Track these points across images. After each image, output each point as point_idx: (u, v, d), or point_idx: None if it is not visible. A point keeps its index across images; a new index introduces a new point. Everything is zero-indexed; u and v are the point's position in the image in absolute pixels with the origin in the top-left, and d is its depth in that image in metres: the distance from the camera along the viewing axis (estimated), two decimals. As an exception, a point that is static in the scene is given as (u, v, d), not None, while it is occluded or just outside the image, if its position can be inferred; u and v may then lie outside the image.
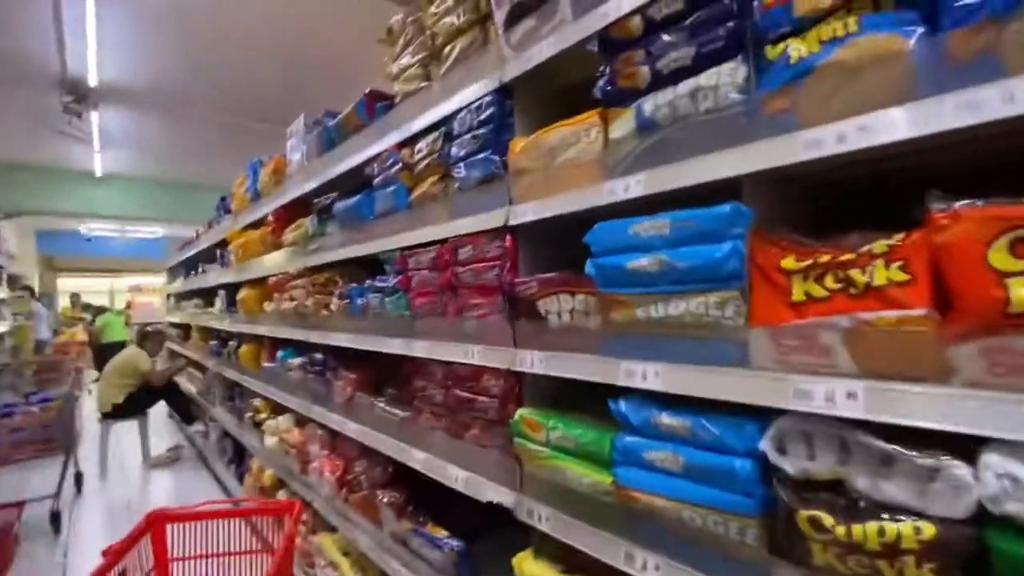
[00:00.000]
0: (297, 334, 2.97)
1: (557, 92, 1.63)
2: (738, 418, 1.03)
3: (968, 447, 0.76)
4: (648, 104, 1.16)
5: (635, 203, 1.19)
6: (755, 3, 0.99)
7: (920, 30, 0.80)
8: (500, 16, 1.54)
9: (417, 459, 1.92)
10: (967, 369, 0.75)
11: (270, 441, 3.38)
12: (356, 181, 2.45)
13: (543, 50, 1.40)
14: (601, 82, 1.25)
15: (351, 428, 2.42)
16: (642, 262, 1.12)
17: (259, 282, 3.74)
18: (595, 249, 1.22)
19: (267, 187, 3.65)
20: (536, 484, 1.46)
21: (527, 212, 1.46)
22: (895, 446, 0.82)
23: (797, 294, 0.94)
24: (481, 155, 1.62)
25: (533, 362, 1.44)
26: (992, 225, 0.72)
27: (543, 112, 1.61)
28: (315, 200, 2.81)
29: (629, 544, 1.19)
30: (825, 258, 0.90)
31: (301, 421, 3.16)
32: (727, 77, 1.02)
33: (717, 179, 1.03)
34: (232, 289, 4.43)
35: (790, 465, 0.94)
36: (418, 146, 1.93)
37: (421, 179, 1.98)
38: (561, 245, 1.60)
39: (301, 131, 3.08)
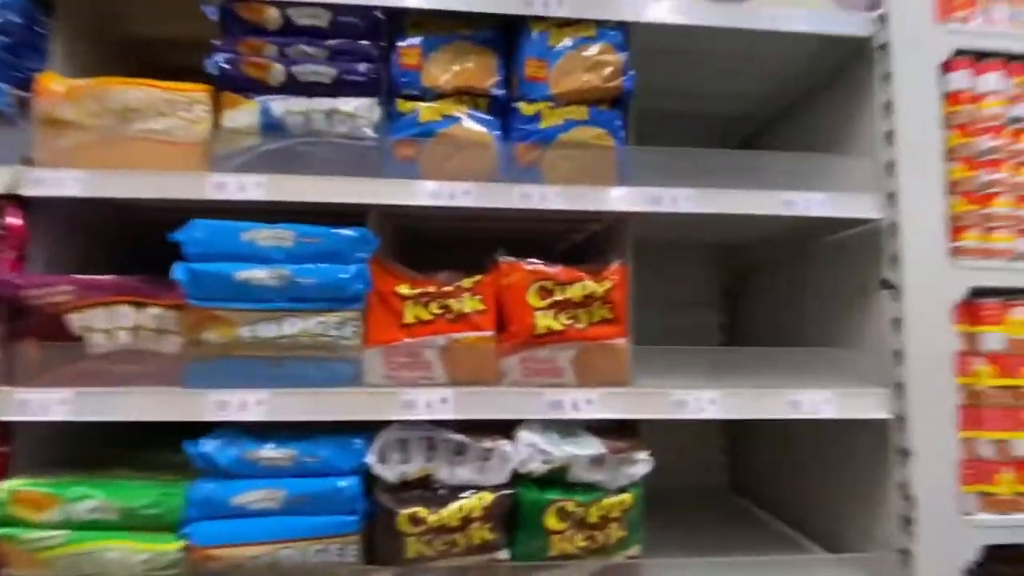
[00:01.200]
0: None
1: (127, 37, 1.24)
2: (346, 437, 1.04)
3: (509, 430, 1.08)
4: (279, 105, 1.07)
5: (233, 204, 1.04)
6: (393, 57, 1.12)
7: (498, 134, 1.14)
8: None
9: None
10: (512, 373, 1.08)
11: None
12: None
13: (126, -22, 1.05)
14: (219, 59, 1.06)
15: None
16: (258, 274, 0.99)
17: None
18: (190, 251, 0.98)
19: None
20: (23, 595, 0.95)
21: (65, 182, 1.00)
22: (465, 437, 1.06)
23: (408, 317, 1.08)
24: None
25: (47, 406, 0.96)
26: (531, 276, 1.09)
27: (100, 55, 1.18)
28: None
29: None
30: (432, 288, 1.08)
31: None
32: (365, 111, 1.09)
33: (347, 203, 1.06)
34: None
35: (390, 472, 1.03)
36: None
37: None
38: (103, 237, 1.18)
39: None
